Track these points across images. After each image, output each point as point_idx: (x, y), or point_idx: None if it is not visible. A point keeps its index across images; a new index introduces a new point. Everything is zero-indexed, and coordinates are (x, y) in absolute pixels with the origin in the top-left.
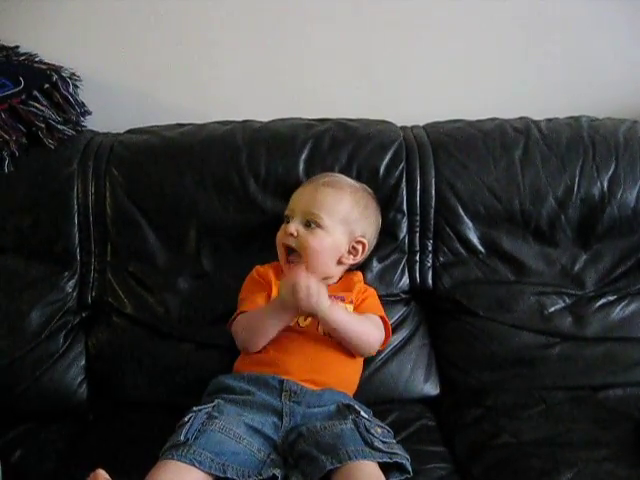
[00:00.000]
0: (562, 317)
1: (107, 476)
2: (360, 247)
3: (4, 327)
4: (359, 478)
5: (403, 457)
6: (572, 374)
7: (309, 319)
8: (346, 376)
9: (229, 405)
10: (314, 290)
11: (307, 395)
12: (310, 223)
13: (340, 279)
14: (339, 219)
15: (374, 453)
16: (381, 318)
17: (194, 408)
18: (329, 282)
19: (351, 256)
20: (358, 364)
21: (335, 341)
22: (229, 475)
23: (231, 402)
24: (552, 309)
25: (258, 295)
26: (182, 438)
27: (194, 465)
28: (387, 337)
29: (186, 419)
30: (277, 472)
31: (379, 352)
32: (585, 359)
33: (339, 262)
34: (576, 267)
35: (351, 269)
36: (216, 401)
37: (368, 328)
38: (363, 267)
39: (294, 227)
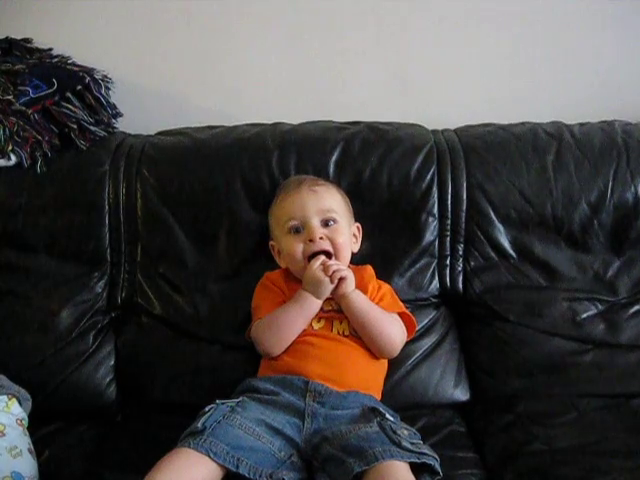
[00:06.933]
0: (595, 323)
1: None
2: (357, 232)
3: (35, 326)
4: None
5: (432, 458)
6: (605, 381)
7: (322, 321)
8: (367, 376)
9: (253, 403)
10: (343, 266)
11: (332, 396)
12: (328, 222)
13: None
14: (342, 211)
15: (402, 452)
16: (401, 314)
17: (217, 401)
18: None
19: (354, 243)
20: (380, 364)
21: (352, 341)
22: (241, 471)
23: (255, 400)
24: (584, 315)
25: (273, 300)
26: (200, 426)
27: (208, 455)
28: (412, 328)
29: (207, 409)
30: (289, 477)
31: (409, 356)
32: (618, 366)
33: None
34: (609, 273)
35: (354, 262)
36: (241, 397)
37: (389, 322)
38: (393, 271)
39: (319, 232)
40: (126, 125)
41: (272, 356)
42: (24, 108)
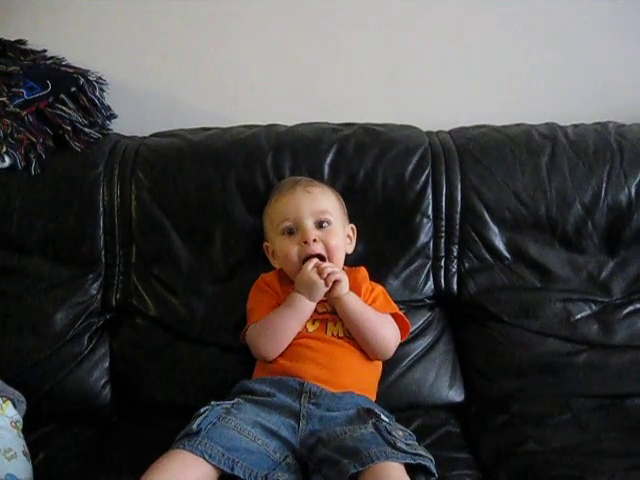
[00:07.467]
0: (589, 324)
1: None
2: (351, 233)
3: (29, 328)
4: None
5: (427, 459)
6: (599, 382)
7: (317, 324)
8: (362, 377)
9: (248, 404)
10: (337, 269)
11: (327, 398)
12: (322, 223)
13: None
14: (336, 212)
15: (397, 454)
16: (395, 315)
17: (212, 402)
18: None
19: (348, 245)
20: (374, 366)
21: (346, 342)
22: (236, 472)
23: (251, 402)
24: (578, 316)
25: (268, 303)
26: (195, 428)
27: (203, 457)
28: (406, 329)
29: (202, 411)
30: (284, 478)
31: (403, 357)
32: (612, 367)
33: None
34: (603, 274)
35: (349, 263)
36: (236, 399)
37: (383, 323)
38: (387, 272)
39: (313, 234)
40: (120, 127)
41: (268, 360)
42: (18, 110)
